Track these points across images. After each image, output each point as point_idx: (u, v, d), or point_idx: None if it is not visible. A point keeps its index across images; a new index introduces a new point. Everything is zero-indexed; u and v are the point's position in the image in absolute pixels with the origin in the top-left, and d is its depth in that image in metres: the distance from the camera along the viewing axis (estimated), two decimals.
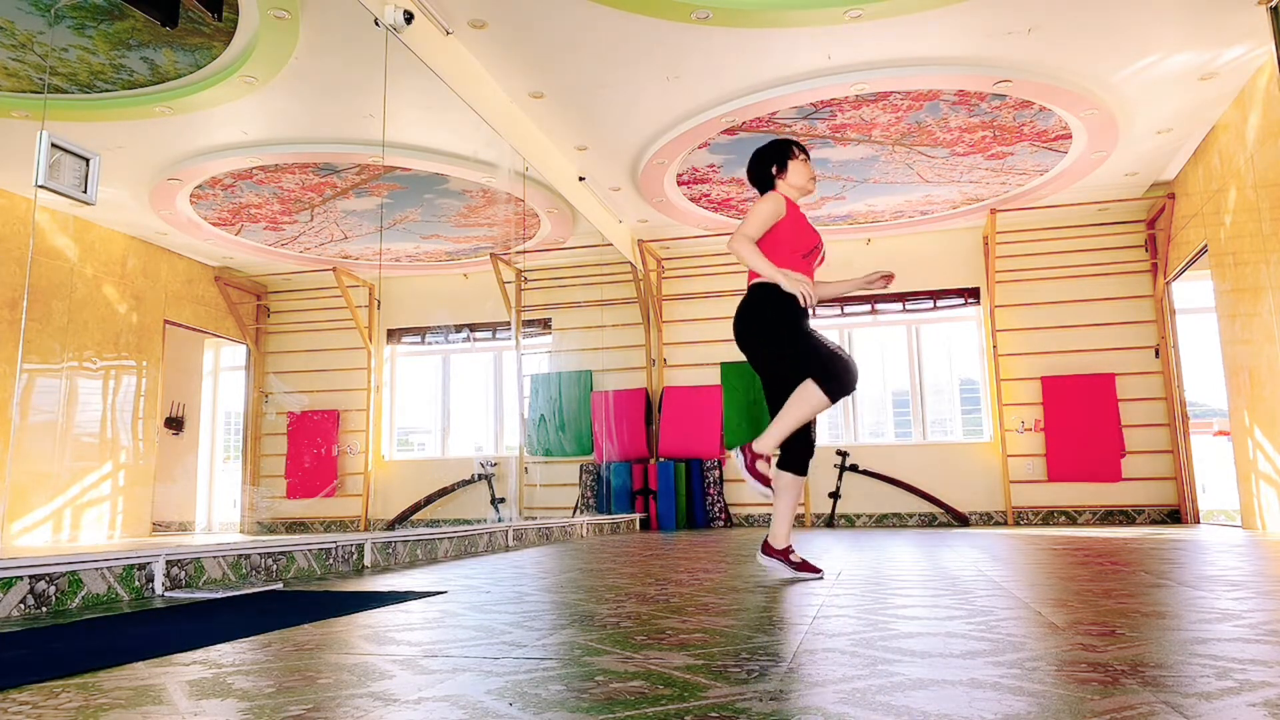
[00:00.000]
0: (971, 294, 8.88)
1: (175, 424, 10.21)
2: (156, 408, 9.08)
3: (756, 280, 3.11)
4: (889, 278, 3.38)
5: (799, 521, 8.71)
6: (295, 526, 10.02)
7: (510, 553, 4.99)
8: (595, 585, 3.05)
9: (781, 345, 3.06)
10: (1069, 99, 5.99)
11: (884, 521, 8.65)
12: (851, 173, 7.39)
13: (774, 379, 3.13)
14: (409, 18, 4.60)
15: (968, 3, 4.93)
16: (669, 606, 2.40)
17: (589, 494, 9.17)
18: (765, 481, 3.09)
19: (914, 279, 8.96)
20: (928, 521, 8.55)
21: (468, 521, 9.28)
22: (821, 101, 6.08)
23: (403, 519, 9.64)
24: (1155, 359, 8.19)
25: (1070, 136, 6.67)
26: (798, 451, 3.16)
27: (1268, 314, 5.95)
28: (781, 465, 3.18)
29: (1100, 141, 6.73)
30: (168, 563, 2.96)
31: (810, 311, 3.06)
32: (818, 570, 3.13)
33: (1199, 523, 7.71)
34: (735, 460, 3.15)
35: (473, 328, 10.22)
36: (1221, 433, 8.08)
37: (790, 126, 6.47)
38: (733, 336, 3.20)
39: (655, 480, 8.93)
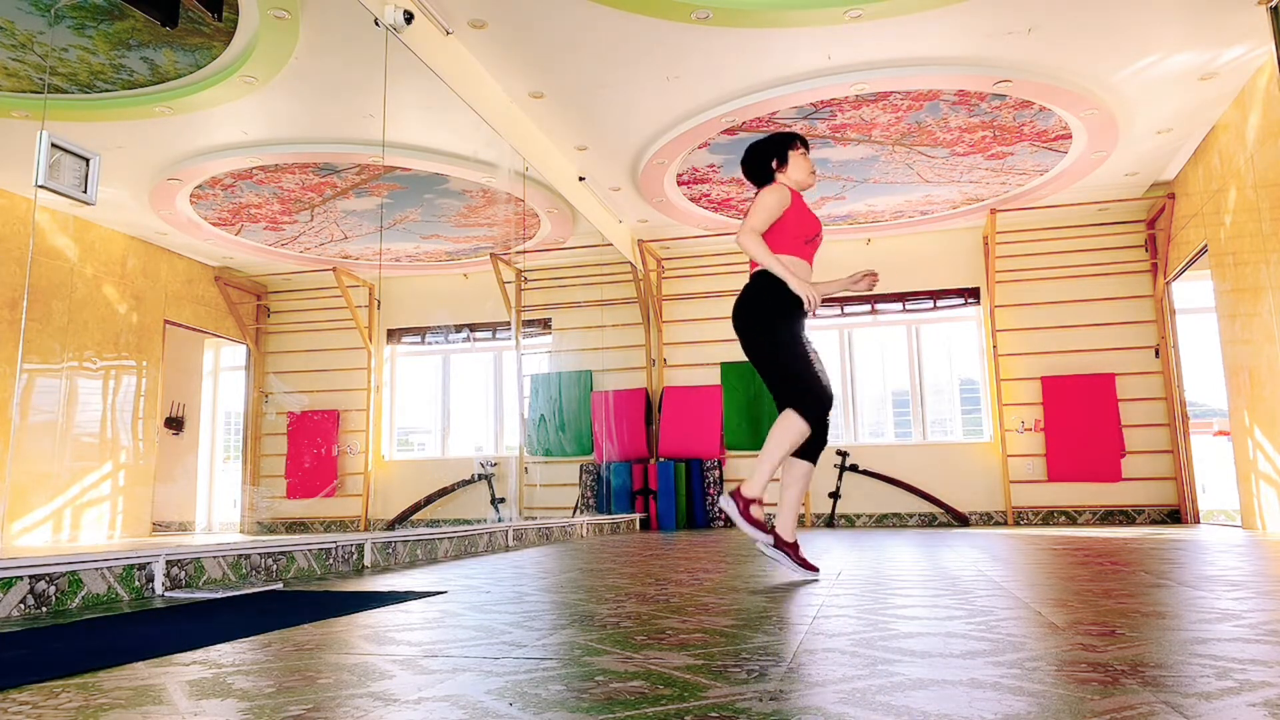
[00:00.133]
0: (971, 294, 8.88)
1: (175, 424, 10.21)
2: (156, 408, 9.08)
3: (760, 269, 3.10)
4: (873, 276, 3.34)
5: (799, 522, 8.70)
6: (295, 526, 10.02)
7: (510, 553, 4.99)
8: (595, 585, 3.05)
9: (776, 334, 3.03)
10: (1069, 99, 5.99)
11: (884, 521, 8.65)
12: (851, 173, 7.39)
13: (762, 367, 3.09)
14: (409, 18, 4.60)
15: (968, 3, 4.93)
16: (669, 606, 2.40)
17: (589, 494, 9.16)
18: (764, 528, 3.02)
19: (914, 279, 8.96)
20: (928, 521, 8.55)
21: (468, 521, 9.28)
22: (821, 101, 6.08)
23: (403, 519, 9.64)
24: (1155, 359, 8.19)
25: (1070, 136, 6.67)
26: (813, 436, 3.09)
27: (1268, 314, 5.95)
28: (794, 453, 3.11)
29: (1100, 141, 6.73)
30: (168, 563, 2.96)
31: (811, 313, 3.05)
32: (816, 570, 3.12)
33: (1199, 523, 7.71)
34: (727, 509, 3.07)
35: (473, 328, 10.22)
36: (1221, 433, 8.08)
37: (790, 126, 6.47)
38: (732, 327, 3.18)
39: (655, 480, 8.93)
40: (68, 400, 7.97)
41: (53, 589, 2.53)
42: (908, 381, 9.14)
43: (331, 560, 3.81)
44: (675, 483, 8.85)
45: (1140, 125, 6.55)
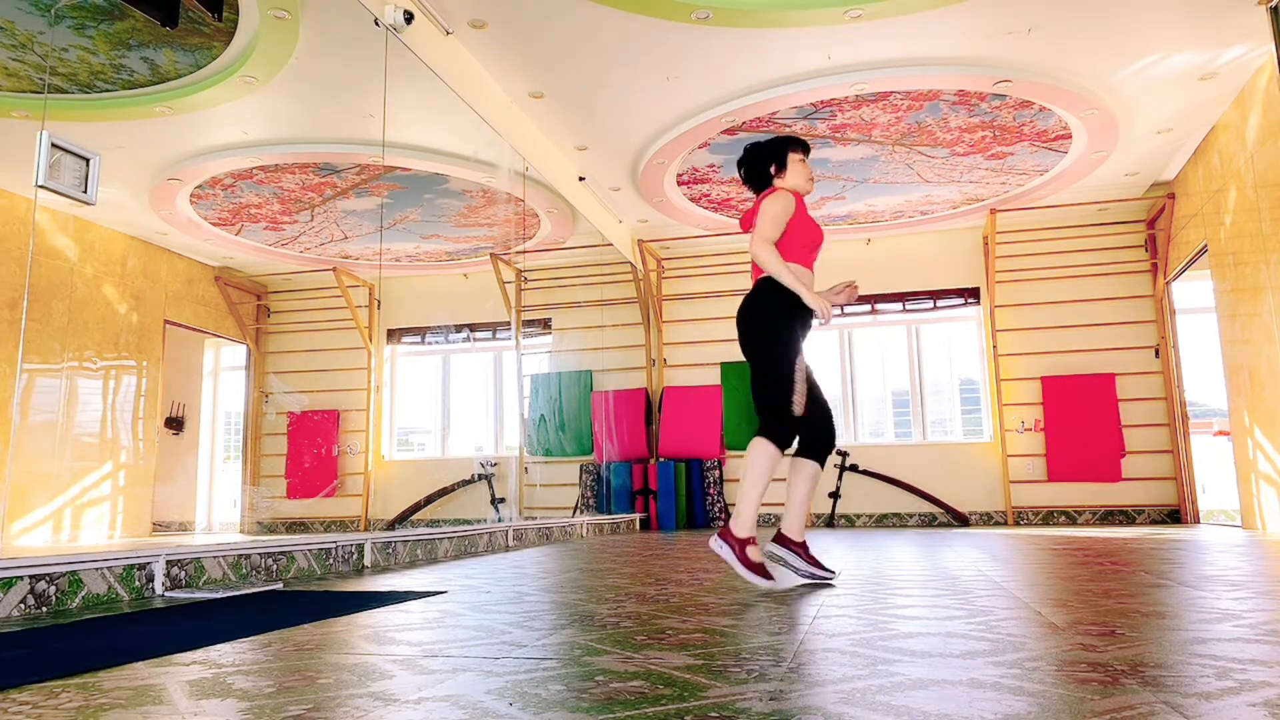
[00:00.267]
0: (971, 294, 8.88)
1: (175, 424, 10.21)
2: (156, 408, 9.08)
3: (765, 275, 3.02)
4: (853, 287, 3.19)
5: None
6: (295, 526, 10.02)
7: (510, 553, 4.99)
8: (595, 585, 3.05)
9: (778, 337, 2.95)
10: (1069, 99, 5.99)
11: (884, 521, 8.65)
12: (851, 173, 7.39)
13: (754, 370, 3.00)
14: (409, 18, 4.60)
15: (968, 3, 4.93)
16: (669, 606, 2.40)
17: (589, 494, 9.16)
18: (764, 573, 2.82)
19: (914, 279, 8.96)
20: (928, 521, 8.55)
21: (468, 521, 9.28)
22: (821, 101, 6.08)
23: (403, 519, 9.64)
24: (1155, 359, 8.19)
25: (1070, 136, 6.67)
26: (817, 440, 3.04)
27: (1268, 314, 5.95)
28: (801, 453, 3.05)
29: (1100, 141, 6.73)
30: (168, 563, 2.96)
31: (826, 322, 2.99)
32: (828, 570, 3.06)
33: (1199, 523, 7.71)
34: (724, 555, 2.86)
35: (473, 328, 10.22)
36: (1221, 433, 8.07)
37: (790, 126, 6.47)
38: (735, 333, 3.13)
39: (655, 480, 8.93)
40: (68, 400, 7.97)
41: (53, 589, 2.53)
42: (908, 381, 9.14)
43: (331, 560, 3.81)
44: (675, 483, 8.85)
45: (1140, 125, 6.55)
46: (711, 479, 8.89)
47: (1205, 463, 8.30)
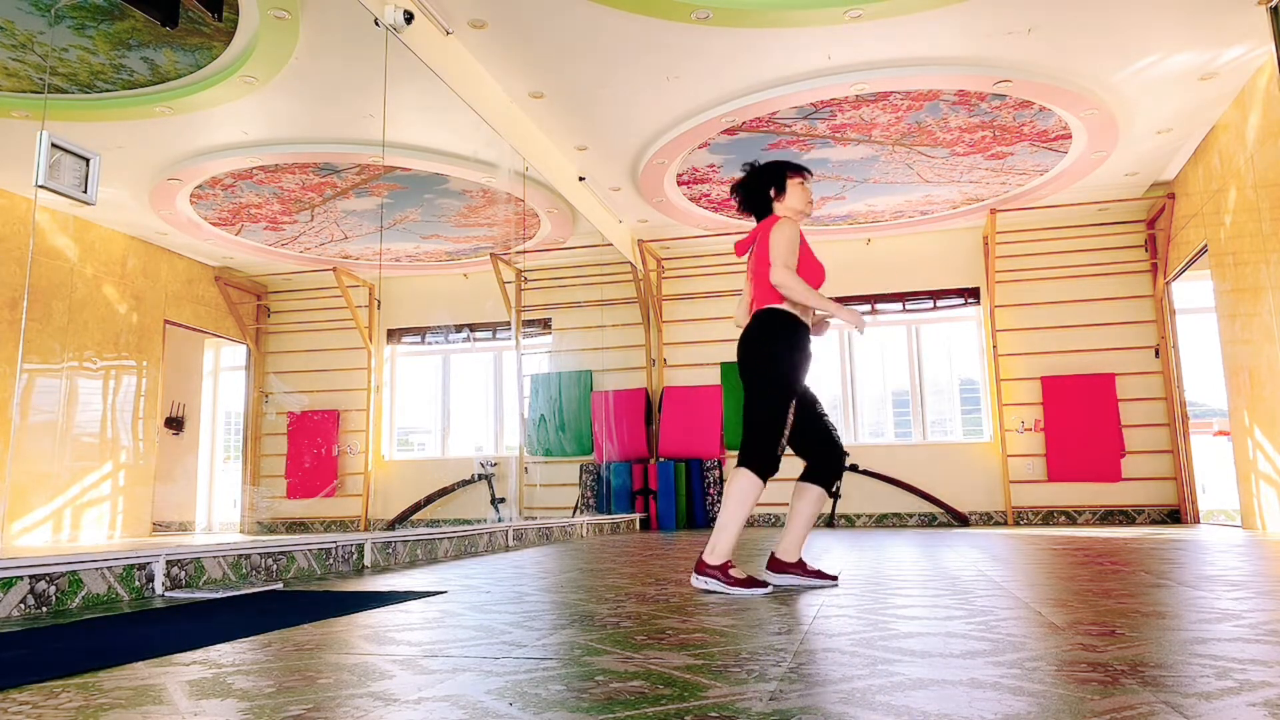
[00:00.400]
0: (971, 294, 8.88)
1: (175, 424, 10.21)
2: (156, 408, 9.08)
3: (770, 306, 2.98)
4: (822, 325, 3.16)
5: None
6: (295, 526, 10.02)
7: (510, 553, 4.99)
8: (595, 585, 3.05)
9: (775, 377, 2.93)
10: (1069, 99, 5.99)
11: (884, 521, 8.65)
12: (851, 173, 7.39)
13: (749, 399, 2.98)
14: (409, 18, 4.60)
15: (968, 3, 4.93)
16: (669, 606, 2.40)
17: (589, 494, 9.17)
18: (754, 582, 2.79)
19: (914, 279, 8.96)
20: (928, 521, 8.55)
21: (468, 521, 9.28)
22: (821, 101, 6.08)
23: (403, 519, 9.64)
24: (1155, 359, 8.19)
25: (1070, 136, 6.67)
26: (827, 469, 3.00)
27: (1268, 314, 5.95)
28: (807, 478, 3.02)
29: (1100, 141, 6.73)
30: (168, 563, 2.96)
31: (860, 332, 2.99)
32: (828, 576, 3.03)
33: (1199, 523, 7.71)
34: (709, 588, 2.81)
35: (473, 328, 10.22)
36: (1221, 433, 8.07)
37: (790, 126, 6.47)
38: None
39: (655, 480, 8.93)
40: (68, 400, 7.97)
41: (53, 589, 2.53)
42: (908, 381, 9.14)
43: (331, 560, 3.81)
44: (675, 483, 8.85)
45: (1140, 125, 6.55)
46: (711, 479, 8.89)
47: (1205, 463, 8.30)
